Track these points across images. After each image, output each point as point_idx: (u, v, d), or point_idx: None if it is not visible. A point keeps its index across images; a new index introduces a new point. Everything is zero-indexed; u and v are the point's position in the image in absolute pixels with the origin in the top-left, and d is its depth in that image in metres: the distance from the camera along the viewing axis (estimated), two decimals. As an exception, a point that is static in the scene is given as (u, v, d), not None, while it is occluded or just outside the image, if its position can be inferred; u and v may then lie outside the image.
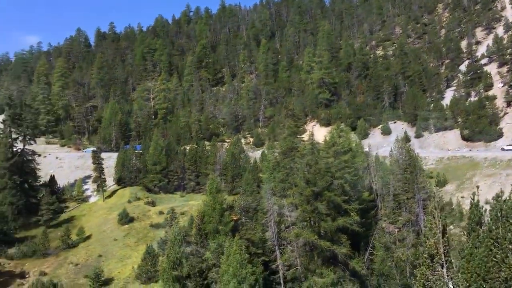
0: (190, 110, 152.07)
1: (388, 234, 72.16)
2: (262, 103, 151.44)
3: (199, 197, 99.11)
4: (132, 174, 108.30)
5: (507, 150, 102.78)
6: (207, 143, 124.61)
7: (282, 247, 60.33)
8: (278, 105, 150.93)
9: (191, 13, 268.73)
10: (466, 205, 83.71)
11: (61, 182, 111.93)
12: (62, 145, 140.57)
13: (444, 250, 18.82)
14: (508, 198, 19.90)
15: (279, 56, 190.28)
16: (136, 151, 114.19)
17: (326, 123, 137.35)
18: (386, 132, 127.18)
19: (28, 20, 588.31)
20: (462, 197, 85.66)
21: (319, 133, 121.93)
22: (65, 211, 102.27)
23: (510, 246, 17.77)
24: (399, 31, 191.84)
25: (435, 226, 18.56)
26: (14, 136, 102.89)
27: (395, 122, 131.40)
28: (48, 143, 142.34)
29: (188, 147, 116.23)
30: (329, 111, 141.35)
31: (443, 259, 17.66)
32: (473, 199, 24.22)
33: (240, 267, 50.09)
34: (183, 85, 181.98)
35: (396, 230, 79.15)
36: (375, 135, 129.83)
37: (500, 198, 20.46)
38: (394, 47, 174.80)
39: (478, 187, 37.24)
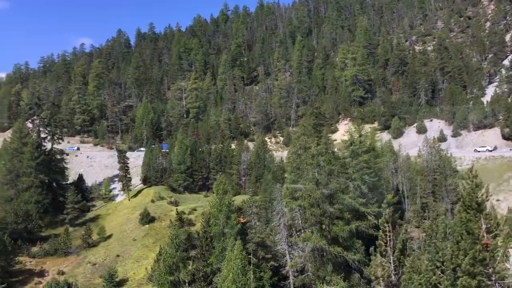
0: (222, 109, 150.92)
1: (412, 239, 67.72)
2: (293, 101, 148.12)
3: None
4: (157, 174, 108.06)
5: (479, 151, 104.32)
6: (237, 142, 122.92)
7: (293, 252, 57.55)
8: (310, 104, 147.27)
9: (229, 12, 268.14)
10: (502, 209, 77.96)
11: (91, 180, 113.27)
12: (96, 144, 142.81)
13: (396, 271, 15.83)
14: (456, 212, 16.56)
15: (315, 54, 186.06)
16: (163, 150, 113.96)
17: (359, 121, 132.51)
18: (422, 130, 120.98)
19: (82, 23, 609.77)
20: (498, 200, 79.67)
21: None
22: (91, 210, 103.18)
23: (458, 273, 14.53)
24: (441, 25, 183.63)
25: (385, 243, 15.60)
26: (43, 135, 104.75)
27: (431, 120, 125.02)
28: (82, 142, 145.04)
29: (213, 147, 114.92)
30: (362, 109, 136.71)
31: (382, 284, 14.73)
32: (438, 214, 20.83)
33: (240, 274, 47.72)
34: (217, 84, 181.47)
35: (423, 234, 74.66)
36: (410, 133, 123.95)
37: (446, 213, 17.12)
38: (434, 42, 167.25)
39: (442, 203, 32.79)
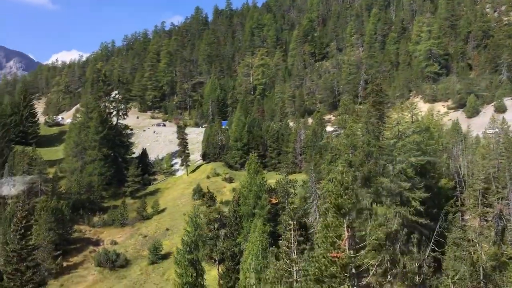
0: (289, 85, 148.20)
1: (461, 229, 62.18)
2: (361, 77, 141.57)
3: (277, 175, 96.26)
4: (216, 150, 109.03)
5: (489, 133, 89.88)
6: (295, 119, 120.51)
7: (325, 236, 55.23)
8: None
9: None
10: None
11: (155, 155, 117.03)
12: (165, 120, 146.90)
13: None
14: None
15: (392, 27, 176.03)
16: (222, 127, 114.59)
17: (431, 99, 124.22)
18: (501, 109, 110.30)
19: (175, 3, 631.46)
20: None
21: (421, 110, 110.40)
22: (152, 184, 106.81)
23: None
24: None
25: (287, 243, 13.51)
26: (109, 111, 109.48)
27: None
28: (152, 117, 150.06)
29: (271, 124, 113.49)
30: (435, 86, 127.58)
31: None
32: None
33: (260, 256, 46.67)
34: (288, 60, 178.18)
35: (484, 224, 68.46)
36: (487, 113, 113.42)
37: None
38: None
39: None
